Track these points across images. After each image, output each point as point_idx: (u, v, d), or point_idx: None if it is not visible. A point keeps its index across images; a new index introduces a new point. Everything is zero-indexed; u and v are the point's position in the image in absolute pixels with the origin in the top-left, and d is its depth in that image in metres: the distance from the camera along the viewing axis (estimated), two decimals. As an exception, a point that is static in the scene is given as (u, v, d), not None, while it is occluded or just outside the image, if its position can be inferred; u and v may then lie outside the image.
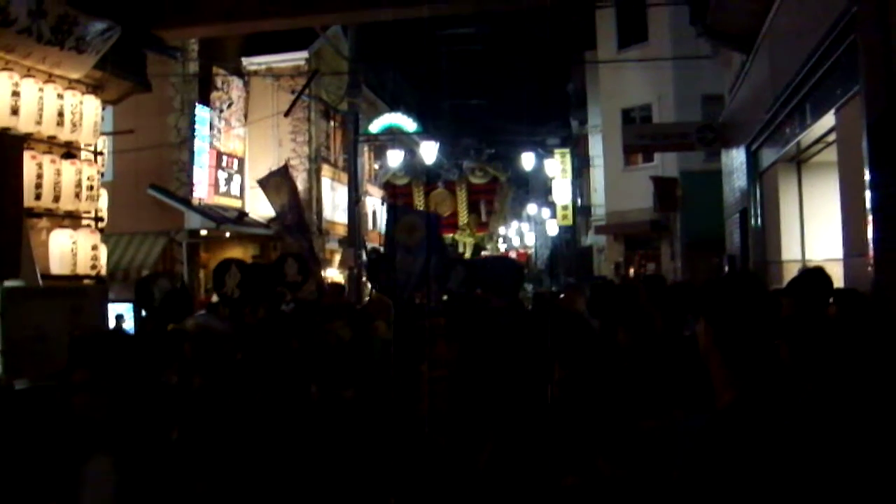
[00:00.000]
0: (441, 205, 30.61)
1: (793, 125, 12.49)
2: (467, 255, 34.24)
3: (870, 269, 8.28)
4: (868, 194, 8.18)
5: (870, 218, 8.19)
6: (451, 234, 28.06)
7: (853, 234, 9.64)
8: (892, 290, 7.70)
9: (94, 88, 14.37)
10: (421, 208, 30.64)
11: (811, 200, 14.05)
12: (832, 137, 11.62)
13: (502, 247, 58.58)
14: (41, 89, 12.79)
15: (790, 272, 13.06)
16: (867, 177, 8.20)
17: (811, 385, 4.22)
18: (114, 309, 19.03)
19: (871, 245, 8.24)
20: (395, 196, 31.27)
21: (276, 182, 17.07)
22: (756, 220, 16.27)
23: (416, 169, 32.20)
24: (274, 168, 19.30)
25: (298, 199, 15.74)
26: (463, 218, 37.25)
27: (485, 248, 34.49)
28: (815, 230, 13.85)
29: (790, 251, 14.25)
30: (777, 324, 3.43)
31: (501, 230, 53.62)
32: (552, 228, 62.20)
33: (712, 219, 23.02)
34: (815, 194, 13.86)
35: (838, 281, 8.58)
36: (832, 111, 10.17)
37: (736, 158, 19.02)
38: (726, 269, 20.54)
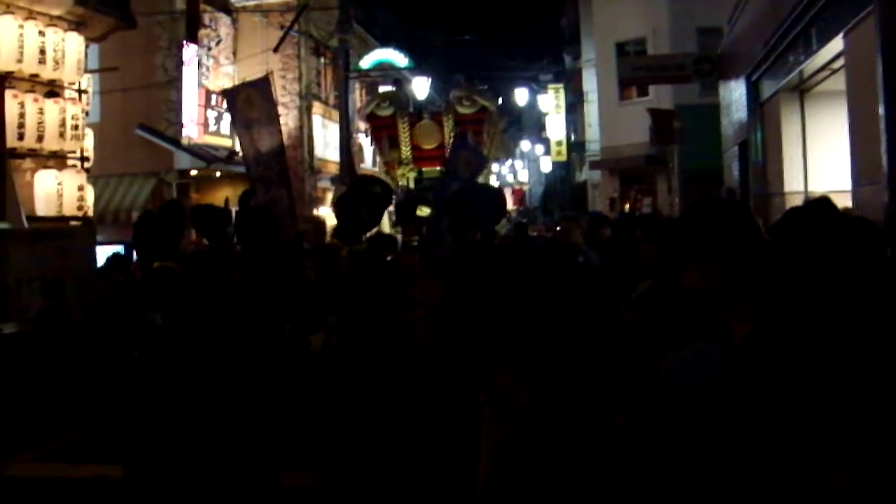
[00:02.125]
0: (427, 137, 29.57)
1: (797, 53, 12.18)
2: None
3: (884, 197, 8.00)
4: (882, 120, 7.89)
5: (883, 145, 7.91)
6: (437, 167, 27.42)
7: (862, 164, 9.37)
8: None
9: (76, 25, 14.05)
10: (405, 140, 29.91)
11: (814, 130, 13.77)
12: (839, 64, 11.30)
13: (495, 182, 58.26)
14: (21, 26, 12.52)
15: (793, 204, 12.83)
16: (881, 102, 7.90)
17: (825, 315, 4.00)
18: (103, 251, 18.83)
19: (885, 173, 7.96)
20: (379, 129, 30.41)
21: (247, 95, 14.91)
22: (757, 153, 16.00)
23: (401, 100, 31.46)
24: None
25: (278, 129, 14.24)
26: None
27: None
28: (819, 161, 13.59)
29: (793, 183, 13.99)
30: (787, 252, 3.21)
31: (494, 166, 53.17)
32: (546, 165, 61.88)
33: (710, 152, 22.84)
34: (819, 124, 13.59)
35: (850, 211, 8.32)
36: (840, 35, 9.85)
37: (735, 90, 18.73)
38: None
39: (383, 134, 30.12)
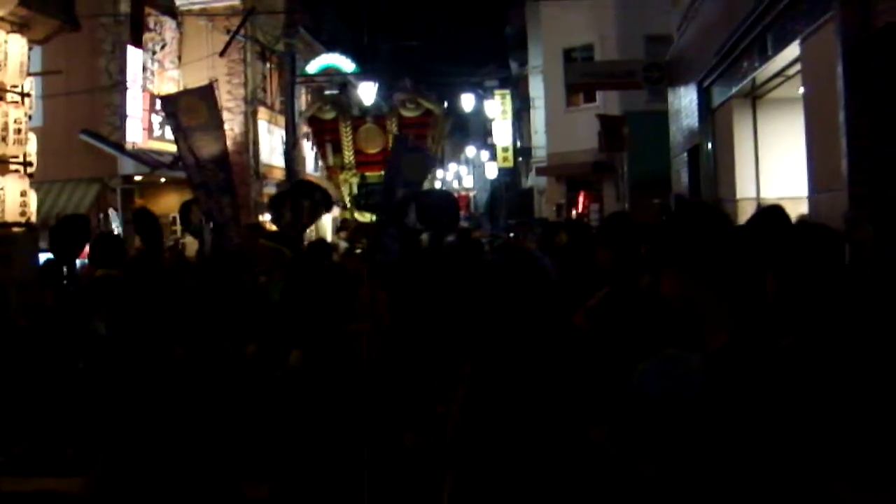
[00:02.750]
0: (370, 141, 28.86)
1: (751, 59, 12.19)
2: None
3: (843, 203, 7.97)
4: (842, 127, 7.86)
5: (843, 151, 7.87)
6: (379, 172, 26.89)
7: (820, 170, 9.36)
8: (866, 224, 7.44)
9: (19, 27, 13.78)
10: (348, 144, 29.39)
11: (767, 137, 13.79)
12: (794, 70, 11.31)
13: (439, 187, 58.10)
14: (-37, 27, 12.22)
15: (745, 210, 12.83)
16: (841, 109, 7.87)
17: (798, 320, 3.97)
18: (45, 257, 18.51)
19: (844, 179, 7.92)
20: (321, 132, 29.81)
21: (189, 102, 14.47)
22: (708, 159, 16.01)
23: (344, 103, 30.86)
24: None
25: (223, 135, 13.99)
26: (394, 154, 34.63)
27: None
28: (771, 167, 13.62)
29: (745, 189, 14.00)
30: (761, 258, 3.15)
31: (440, 172, 53.02)
32: (491, 171, 61.95)
33: (657, 159, 22.88)
34: (771, 130, 13.62)
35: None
36: (797, 42, 9.83)
37: (685, 97, 18.77)
38: (674, 209, 20.32)
39: (325, 138, 29.08)
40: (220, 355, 8.14)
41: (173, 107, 13.76)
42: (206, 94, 14.00)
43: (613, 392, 3.74)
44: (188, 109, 14.31)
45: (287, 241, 11.18)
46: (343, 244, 19.04)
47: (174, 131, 13.81)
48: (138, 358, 7.29)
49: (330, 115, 29.50)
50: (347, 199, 25.44)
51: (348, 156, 28.80)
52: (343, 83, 35.23)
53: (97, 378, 7.28)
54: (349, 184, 28.31)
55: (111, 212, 24.42)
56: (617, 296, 6.18)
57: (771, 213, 6.54)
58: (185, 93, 15.21)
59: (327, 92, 34.32)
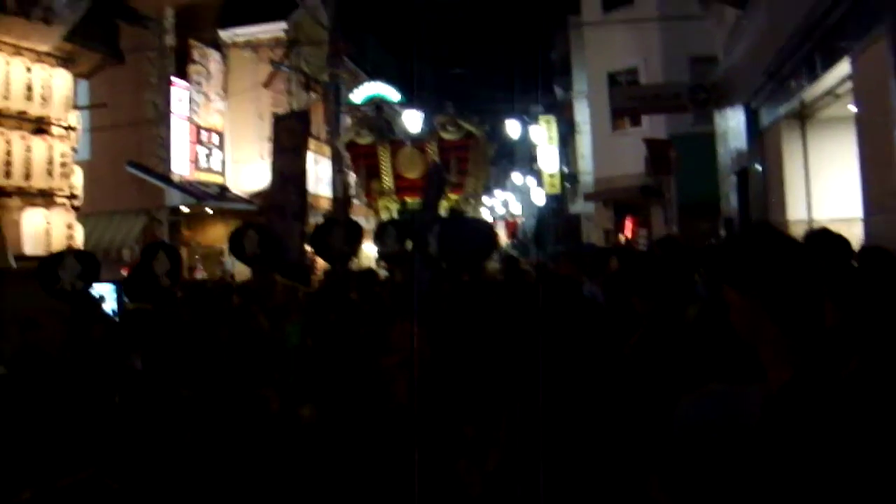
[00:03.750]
0: (410, 165, 28.35)
1: (799, 78, 12.00)
2: None
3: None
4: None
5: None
6: (420, 198, 26.33)
7: (875, 191, 9.13)
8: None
9: (64, 61, 13.86)
10: (387, 169, 28.88)
11: (817, 157, 13.57)
12: (844, 89, 11.09)
13: (488, 216, 57.83)
14: (8, 62, 12.35)
15: (796, 233, 12.59)
16: (896, 126, 7.68)
17: (861, 350, 3.79)
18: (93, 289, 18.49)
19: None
20: (359, 157, 29.40)
21: (291, 124, 15.71)
22: (757, 181, 15.79)
23: (382, 127, 30.37)
24: (256, 141, 18.46)
25: (304, 162, 14.51)
26: (435, 179, 33.54)
27: (462, 213, 32.11)
28: (822, 188, 13.39)
29: (795, 211, 13.77)
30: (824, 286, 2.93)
31: (486, 199, 52.80)
32: (538, 197, 61.74)
33: (705, 182, 22.63)
34: (822, 150, 13.39)
35: (857, 240, 8.06)
36: (846, 59, 9.64)
37: (732, 118, 18.56)
38: (723, 232, 20.10)
39: (363, 163, 29.45)
40: (232, 400, 7.98)
41: (279, 125, 14.40)
42: (302, 118, 14.69)
43: (657, 429, 3.59)
44: (289, 130, 14.90)
45: (302, 278, 10.99)
46: (383, 273, 18.84)
47: (272, 150, 14.54)
48: (166, 395, 7.21)
49: (368, 140, 29.22)
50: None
51: (387, 181, 28.52)
52: (380, 105, 35.05)
53: (132, 413, 7.24)
54: (389, 210, 27.94)
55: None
56: (658, 326, 6.00)
57: (822, 237, 6.36)
58: (292, 114, 16.00)
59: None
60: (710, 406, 2.98)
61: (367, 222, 27.34)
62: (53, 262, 10.34)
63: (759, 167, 15.73)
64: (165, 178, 25.67)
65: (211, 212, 27.15)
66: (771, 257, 2.70)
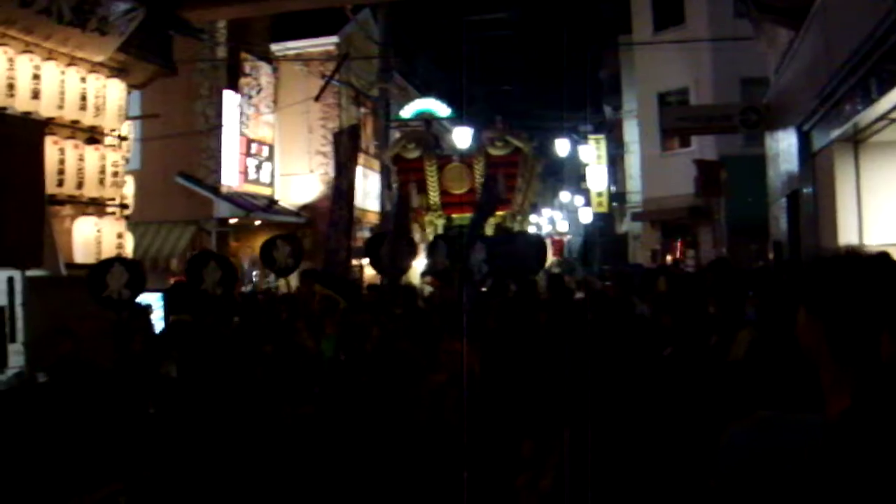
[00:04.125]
0: (457, 180, 27.95)
1: (853, 102, 11.86)
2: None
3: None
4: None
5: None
6: (467, 214, 25.97)
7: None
8: None
9: (118, 72, 13.98)
10: (434, 184, 28.48)
11: (870, 182, 13.40)
12: (900, 113, 10.99)
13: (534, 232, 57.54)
14: (63, 73, 12.44)
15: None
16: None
17: None
18: (141, 299, 18.58)
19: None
20: (406, 171, 29.04)
21: (343, 140, 15.95)
22: (808, 204, 15.64)
23: (429, 141, 29.96)
24: (305, 154, 18.53)
25: (352, 176, 14.69)
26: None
27: (510, 230, 31.31)
28: (875, 213, 13.22)
29: (847, 236, 13.60)
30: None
31: (533, 216, 52.54)
32: (585, 216, 61.56)
33: (755, 204, 22.51)
34: (876, 175, 13.23)
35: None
36: (903, 84, 9.54)
37: (783, 141, 18.41)
38: (772, 255, 19.96)
39: (410, 178, 28.79)
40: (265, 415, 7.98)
41: (336, 141, 14.66)
42: (352, 133, 14.85)
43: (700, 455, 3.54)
44: (342, 145, 15.08)
45: (345, 290, 10.90)
46: (428, 289, 18.68)
47: (335, 164, 14.96)
48: (206, 403, 7.21)
49: (414, 154, 28.95)
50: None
51: (434, 196, 28.18)
52: (428, 120, 34.94)
53: (167, 422, 7.27)
54: (434, 225, 27.59)
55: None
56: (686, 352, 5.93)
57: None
58: (344, 129, 16.21)
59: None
60: (757, 435, 2.93)
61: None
62: (101, 269, 10.39)
63: (810, 190, 15.58)
64: (214, 189, 25.82)
65: (259, 223, 27.27)
66: (842, 282, 2.65)
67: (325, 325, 9.76)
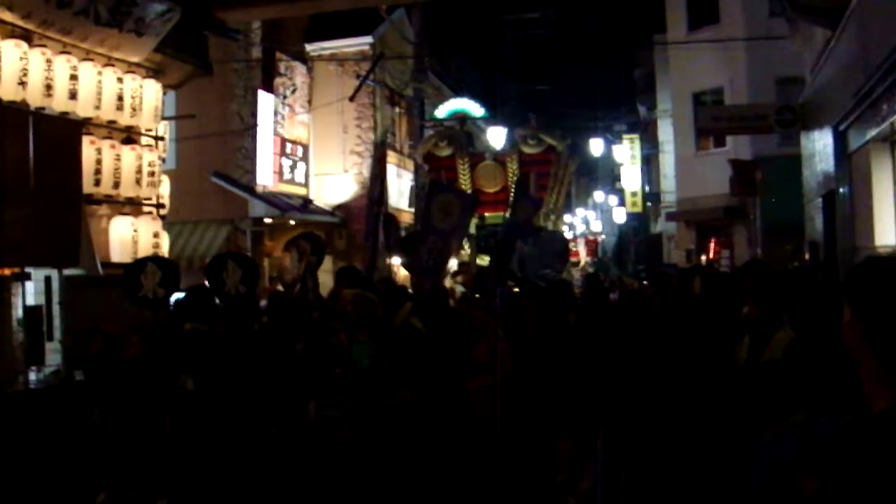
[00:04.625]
0: (489, 179, 27.56)
1: (891, 102, 11.78)
2: None
3: None
4: None
5: None
6: (500, 213, 25.65)
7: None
8: None
9: (154, 72, 14.07)
10: (466, 182, 28.14)
11: (907, 182, 13.34)
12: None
13: (568, 233, 57.38)
14: (100, 73, 12.53)
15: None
16: None
17: None
18: (176, 297, 18.67)
19: None
20: (438, 170, 28.72)
21: (376, 150, 16.02)
22: (844, 204, 15.55)
23: (461, 139, 29.68)
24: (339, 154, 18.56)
25: (378, 186, 14.85)
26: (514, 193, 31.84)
27: (542, 229, 30.60)
28: (912, 214, 13.16)
29: (884, 236, 13.53)
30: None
31: (567, 217, 52.42)
32: (619, 216, 61.50)
33: (790, 204, 22.42)
34: (913, 176, 13.17)
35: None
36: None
37: (819, 140, 18.32)
38: (807, 256, 19.87)
39: (442, 176, 28.84)
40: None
41: (376, 151, 14.90)
42: (379, 147, 15.03)
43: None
44: (375, 156, 15.27)
45: (386, 293, 10.62)
46: (460, 289, 18.50)
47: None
48: (225, 417, 7.14)
49: (446, 152, 28.76)
50: (465, 242, 23.84)
51: None
52: (462, 119, 34.86)
53: (184, 437, 7.13)
54: None
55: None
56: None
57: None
58: (378, 143, 16.47)
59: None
60: (788, 441, 2.92)
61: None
62: (136, 268, 10.45)
63: (846, 190, 15.49)
64: (249, 188, 25.92)
65: (293, 223, 27.36)
66: (886, 284, 2.64)
67: (359, 331, 8.93)
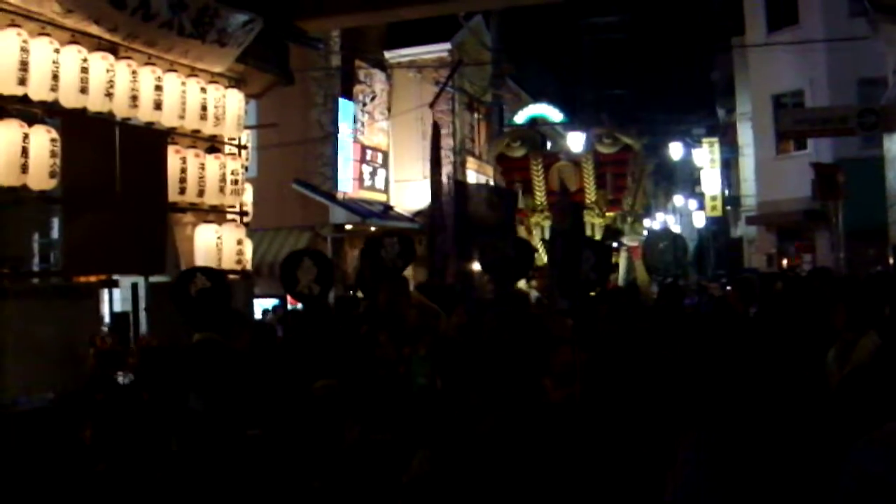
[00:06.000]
0: (565, 179, 27.07)
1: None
2: (597, 238, 27.35)
3: None
4: None
5: None
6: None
7: None
8: None
9: (236, 82, 14.25)
10: (540, 183, 27.67)
11: None
12: None
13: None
14: (184, 83, 12.71)
15: None
16: None
17: None
18: (260, 304, 18.95)
19: None
20: (511, 171, 28.38)
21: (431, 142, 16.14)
22: (928, 207, 15.39)
23: (534, 139, 29.22)
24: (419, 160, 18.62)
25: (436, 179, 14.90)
26: (591, 195, 28.72)
27: (620, 232, 29.93)
28: None
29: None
30: None
31: (646, 220, 52.09)
32: (699, 220, 60.90)
33: (874, 208, 22.11)
34: None
35: None
36: None
37: (902, 143, 18.11)
38: (891, 260, 19.63)
39: (515, 177, 28.47)
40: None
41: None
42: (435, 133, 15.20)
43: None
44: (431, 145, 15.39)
45: (447, 300, 9.90)
46: (534, 294, 18.29)
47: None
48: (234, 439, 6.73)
49: (520, 153, 28.32)
50: (539, 245, 22.71)
51: (540, 197, 27.84)
52: (535, 119, 34.59)
53: (191, 462, 6.78)
54: (541, 227, 26.99)
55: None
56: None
57: None
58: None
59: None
60: (877, 453, 2.90)
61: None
62: (292, 263, 10.77)
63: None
64: (330, 195, 26.15)
65: (374, 229, 27.52)
66: None
67: (419, 345, 8.24)
